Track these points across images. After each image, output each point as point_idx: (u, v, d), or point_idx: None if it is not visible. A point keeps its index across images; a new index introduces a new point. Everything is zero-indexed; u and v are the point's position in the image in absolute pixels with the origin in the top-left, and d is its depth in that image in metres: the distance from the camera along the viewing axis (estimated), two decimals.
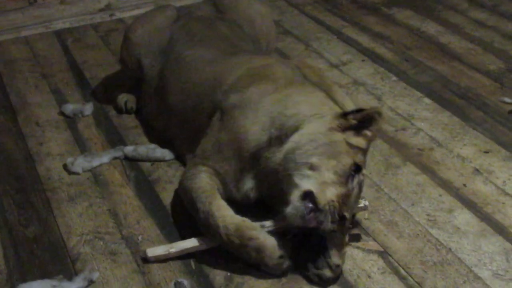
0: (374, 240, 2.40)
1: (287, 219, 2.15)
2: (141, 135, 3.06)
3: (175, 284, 2.18)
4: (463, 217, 2.50)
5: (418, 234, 2.42)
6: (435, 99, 3.31)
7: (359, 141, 2.23)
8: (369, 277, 2.23)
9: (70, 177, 2.76)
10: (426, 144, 2.96)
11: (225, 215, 2.23)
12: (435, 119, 3.14)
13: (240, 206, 2.36)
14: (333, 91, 2.47)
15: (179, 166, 2.81)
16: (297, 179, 2.18)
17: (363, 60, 3.75)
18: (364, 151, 2.27)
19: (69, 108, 3.22)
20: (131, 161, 2.85)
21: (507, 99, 3.28)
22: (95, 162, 2.81)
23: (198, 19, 3.17)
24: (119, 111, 3.24)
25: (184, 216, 2.49)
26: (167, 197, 2.63)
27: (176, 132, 2.84)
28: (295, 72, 2.53)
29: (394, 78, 3.55)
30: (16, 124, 3.17)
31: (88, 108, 3.22)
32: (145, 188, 2.69)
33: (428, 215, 2.52)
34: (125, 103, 3.23)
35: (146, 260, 2.29)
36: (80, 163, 2.78)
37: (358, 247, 2.36)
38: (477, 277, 2.22)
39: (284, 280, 2.21)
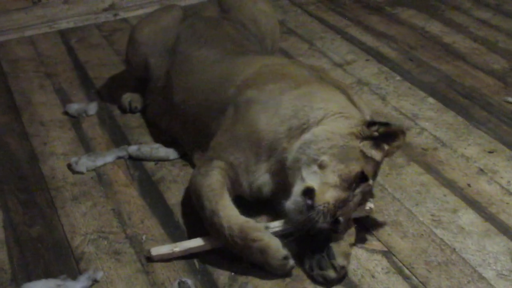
0: (378, 240, 2.39)
1: (287, 212, 2.20)
2: (145, 135, 3.06)
3: (179, 283, 2.18)
4: (468, 217, 2.50)
5: (422, 234, 2.41)
6: (439, 99, 3.31)
7: (374, 153, 2.25)
8: (373, 277, 2.23)
9: (74, 177, 2.76)
10: (430, 144, 2.95)
11: (230, 215, 2.23)
12: (439, 119, 3.14)
13: (249, 207, 2.36)
14: (350, 94, 2.51)
15: (183, 166, 2.81)
16: (304, 173, 2.22)
17: (367, 60, 3.75)
18: (377, 164, 2.28)
19: (73, 107, 3.22)
20: (135, 161, 2.85)
21: (511, 99, 3.28)
22: (99, 162, 2.82)
23: (204, 19, 3.19)
24: (123, 110, 3.24)
25: (188, 216, 2.50)
26: (171, 196, 2.63)
27: (182, 130, 2.84)
28: (311, 73, 2.57)
29: (398, 77, 3.54)
30: (20, 123, 3.17)
31: (92, 108, 3.23)
32: (149, 188, 2.70)
33: (432, 215, 2.51)
34: (130, 102, 3.23)
35: (150, 259, 2.29)
36: (84, 163, 2.79)
37: (362, 247, 2.36)
38: (482, 277, 2.22)
39: (288, 279, 2.21)
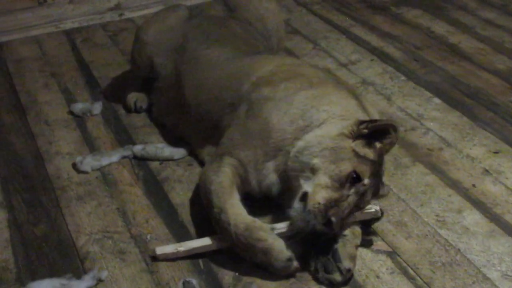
0: (383, 240, 2.39)
1: (291, 220, 2.22)
2: (150, 134, 3.06)
3: (183, 283, 2.18)
4: (472, 218, 2.49)
5: (427, 235, 2.41)
6: (445, 99, 3.30)
7: (367, 151, 2.24)
8: (378, 277, 2.23)
9: (79, 176, 2.77)
10: (436, 144, 2.95)
11: (237, 213, 2.23)
12: (445, 119, 3.13)
13: (256, 207, 2.36)
14: (363, 100, 2.52)
15: (187, 166, 2.81)
16: (301, 180, 2.25)
17: (371, 60, 3.74)
18: (373, 162, 2.25)
19: (78, 107, 3.23)
20: (140, 160, 2.86)
21: None
22: (104, 161, 2.82)
23: (212, 19, 3.22)
24: (129, 110, 3.25)
25: (193, 216, 2.50)
26: (175, 196, 2.64)
27: (191, 127, 2.85)
28: (326, 75, 2.59)
29: (403, 77, 3.53)
30: (26, 123, 3.18)
31: (97, 107, 3.23)
32: (154, 187, 2.70)
33: (437, 215, 2.51)
34: (135, 102, 3.23)
35: (154, 258, 2.29)
36: (89, 162, 2.79)
37: (366, 247, 2.35)
38: (486, 278, 2.21)
39: (292, 280, 2.21)
